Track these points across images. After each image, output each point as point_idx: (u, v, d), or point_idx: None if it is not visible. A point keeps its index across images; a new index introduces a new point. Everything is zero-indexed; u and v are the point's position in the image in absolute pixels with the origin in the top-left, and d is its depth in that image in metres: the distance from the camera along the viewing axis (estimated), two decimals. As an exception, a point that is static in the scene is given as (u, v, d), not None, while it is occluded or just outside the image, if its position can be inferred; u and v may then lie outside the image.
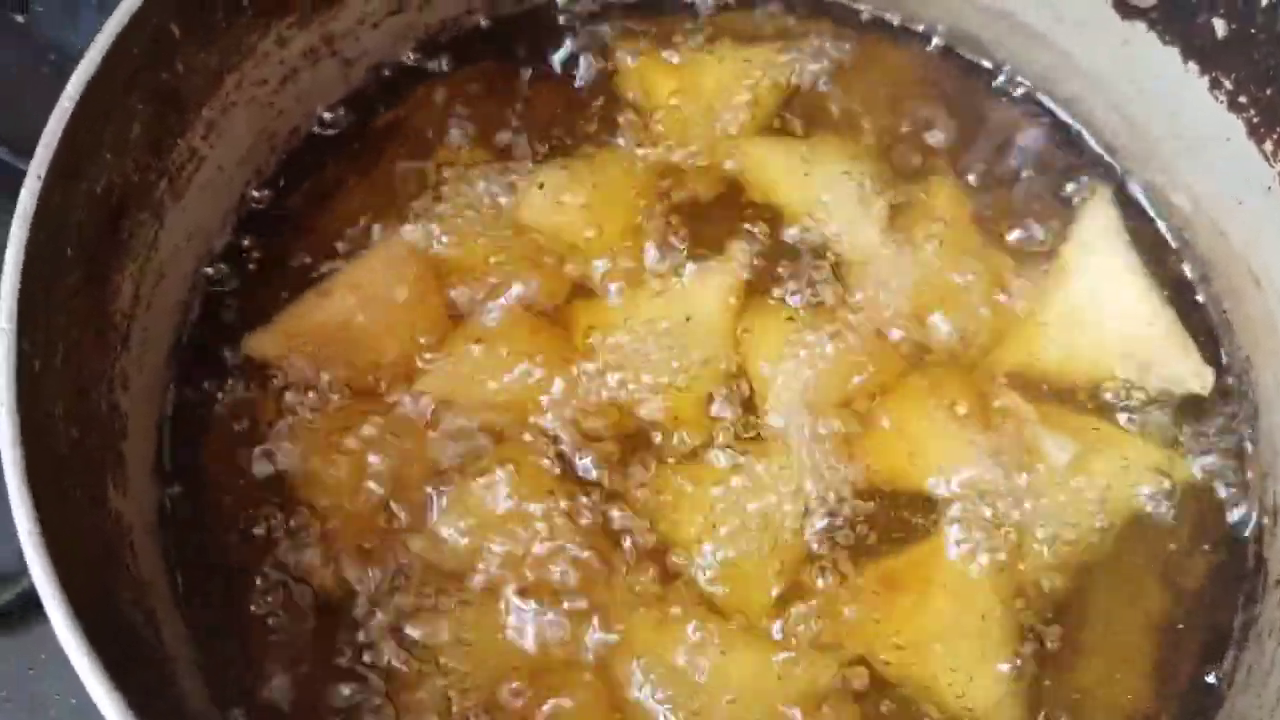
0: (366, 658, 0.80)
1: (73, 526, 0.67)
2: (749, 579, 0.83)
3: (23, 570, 0.92)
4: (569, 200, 0.94)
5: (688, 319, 0.90)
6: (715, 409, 0.88)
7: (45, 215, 0.68)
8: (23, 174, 1.01)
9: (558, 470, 0.85)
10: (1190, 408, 0.92)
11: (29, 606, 0.93)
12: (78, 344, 0.72)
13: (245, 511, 0.84)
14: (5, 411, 0.61)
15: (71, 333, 0.71)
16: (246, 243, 0.93)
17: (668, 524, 0.84)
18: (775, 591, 0.83)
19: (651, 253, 0.93)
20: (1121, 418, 0.90)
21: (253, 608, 0.81)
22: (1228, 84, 0.88)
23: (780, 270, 0.93)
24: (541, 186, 0.94)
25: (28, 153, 1.00)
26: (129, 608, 0.70)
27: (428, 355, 0.88)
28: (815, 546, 0.84)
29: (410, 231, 0.92)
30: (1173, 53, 0.90)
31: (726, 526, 0.84)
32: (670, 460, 0.87)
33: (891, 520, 0.86)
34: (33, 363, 0.66)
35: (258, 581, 0.82)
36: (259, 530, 0.84)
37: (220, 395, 0.88)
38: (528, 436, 0.86)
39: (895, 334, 0.91)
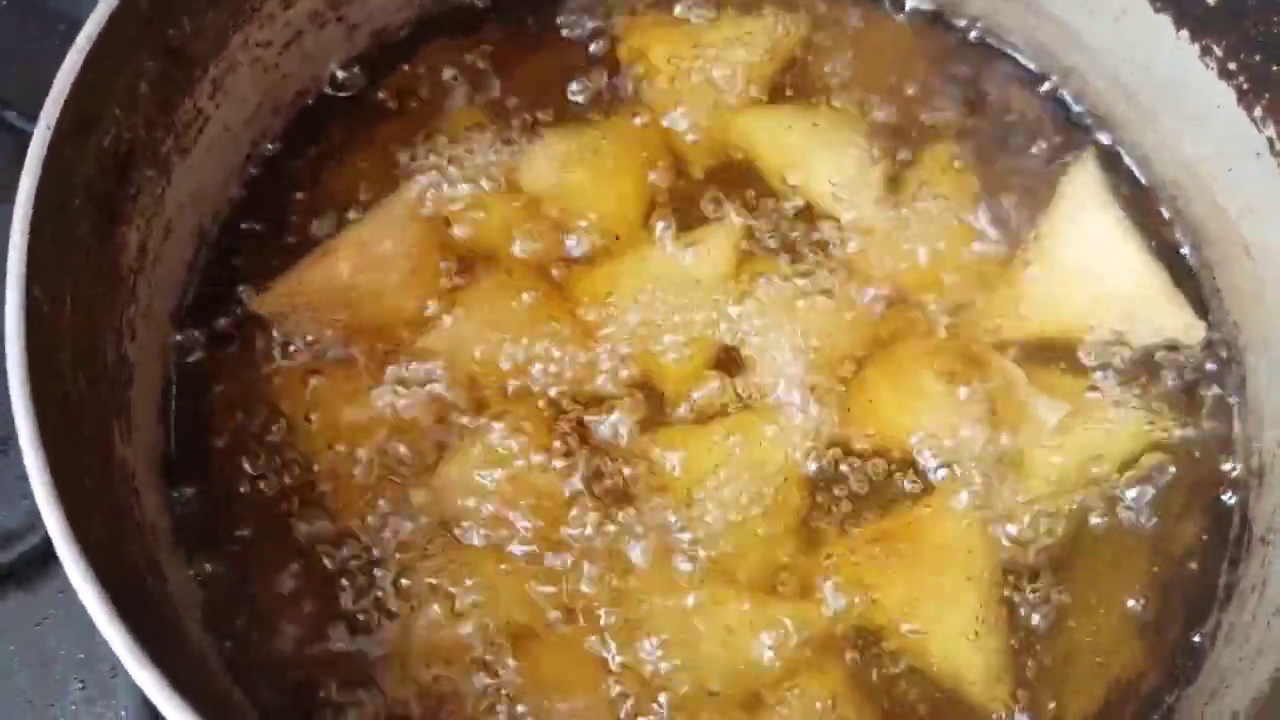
0: (369, 606, 0.81)
1: (81, 472, 0.68)
2: (741, 538, 0.85)
3: (29, 527, 0.95)
4: (569, 165, 0.95)
5: (683, 283, 0.91)
6: (710, 372, 0.89)
7: (55, 165, 0.70)
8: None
9: (555, 430, 0.86)
10: (1178, 371, 0.93)
11: (35, 563, 0.94)
12: (86, 294, 0.73)
13: (248, 463, 0.86)
14: (15, 353, 0.63)
15: (81, 282, 0.73)
16: (251, 203, 0.94)
17: (662, 484, 0.86)
18: (766, 551, 0.85)
19: (649, 218, 0.94)
20: (1110, 380, 0.91)
21: (254, 556, 0.83)
22: (1218, 51, 0.88)
23: (775, 236, 0.94)
24: (542, 151, 0.95)
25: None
26: (135, 554, 0.72)
27: (429, 314, 0.90)
28: (806, 508, 0.86)
29: (412, 193, 0.93)
30: (1165, 21, 0.91)
31: (719, 487, 0.85)
32: (664, 422, 0.88)
33: (882, 482, 0.87)
34: (42, 308, 0.67)
35: (259, 531, 0.84)
36: (262, 483, 0.85)
37: (225, 350, 0.89)
38: (525, 396, 0.88)
39: (887, 298, 0.93)
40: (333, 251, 0.91)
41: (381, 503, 0.84)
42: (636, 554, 0.83)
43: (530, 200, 0.94)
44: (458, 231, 0.93)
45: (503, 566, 0.83)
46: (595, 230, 0.94)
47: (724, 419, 0.88)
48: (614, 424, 0.87)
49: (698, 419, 0.88)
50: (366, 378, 0.88)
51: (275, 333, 0.89)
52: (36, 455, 0.61)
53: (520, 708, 0.79)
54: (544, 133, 0.97)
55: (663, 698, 0.80)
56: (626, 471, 0.86)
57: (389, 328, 0.89)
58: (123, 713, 0.91)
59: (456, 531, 0.84)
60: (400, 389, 0.87)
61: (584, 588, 0.82)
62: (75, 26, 1.13)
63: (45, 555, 0.94)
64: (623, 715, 0.80)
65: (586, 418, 0.87)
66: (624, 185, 0.96)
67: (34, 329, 0.65)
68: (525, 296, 0.91)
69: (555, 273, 0.92)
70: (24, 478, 0.96)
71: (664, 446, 0.87)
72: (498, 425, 0.86)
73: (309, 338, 0.89)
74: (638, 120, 0.98)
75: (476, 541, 0.83)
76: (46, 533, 0.90)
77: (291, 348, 0.89)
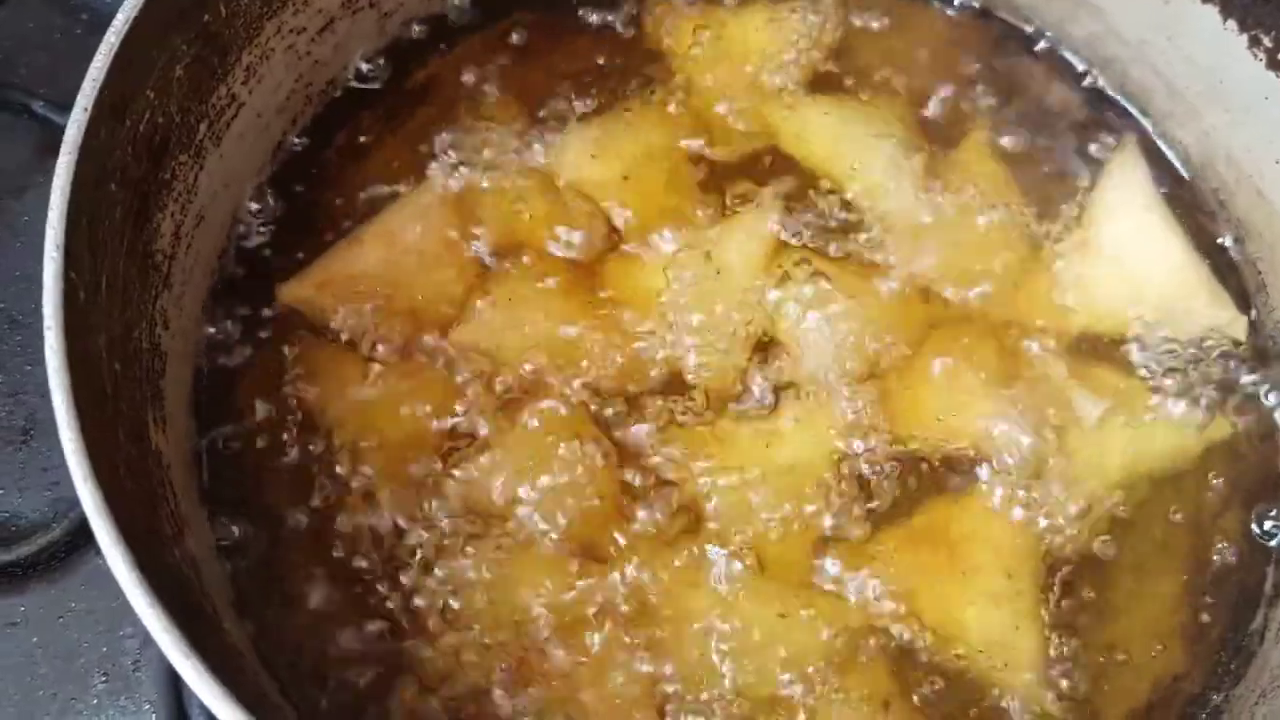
0: (399, 600, 0.81)
1: (117, 460, 0.67)
2: (780, 535, 0.84)
3: (52, 520, 0.94)
4: (603, 155, 0.94)
5: (719, 274, 0.90)
6: (746, 364, 0.88)
7: (91, 149, 0.69)
8: (63, 127, 1.03)
9: (588, 422, 0.85)
10: (1220, 366, 0.91)
11: (58, 556, 0.94)
12: (121, 279, 0.73)
13: (278, 453, 0.85)
14: (54, 338, 0.62)
15: (116, 267, 0.72)
16: (282, 191, 0.93)
17: (699, 478, 0.85)
18: (806, 548, 0.83)
19: (684, 209, 0.93)
20: (1152, 374, 0.90)
21: (285, 548, 0.82)
22: (1266, 41, 0.87)
23: (812, 226, 0.93)
24: (573, 140, 0.94)
25: (67, 107, 1.03)
26: (170, 544, 0.71)
27: (459, 304, 0.89)
28: (846, 503, 0.85)
29: (441, 182, 0.93)
30: (1211, 10, 0.90)
31: (755, 482, 0.84)
32: (701, 414, 0.87)
33: (922, 477, 0.86)
34: (78, 293, 0.66)
35: (290, 521, 0.83)
36: (291, 473, 0.84)
37: (255, 338, 0.88)
38: (558, 387, 0.87)
39: (926, 291, 0.92)
40: (361, 240, 0.90)
41: (411, 495, 0.83)
42: (670, 551, 0.82)
43: (560, 189, 0.94)
44: (487, 221, 0.92)
45: (533, 561, 0.82)
46: (626, 219, 0.93)
47: (760, 412, 0.87)
48: (647, 417, 0.86)
49: (733, 412, 0.87)
50: (396, 367, 0.87)
51: (305, 324, 0.88)
52: (76, 444, 0.60)
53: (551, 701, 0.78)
54: (574, 121, 0.96)
55: (696, 695, 0.79)
56: (659, 465, 0.85)
57: (418, 317, 0.88)
58: (146, 706, 0.90)
59: (487, 524, 0.82)
60: (429, 378, 0.87)
61: (615, 586, 0.81)
62: (98, 15, 1.15)
63: (69, 548, 0.94)
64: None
65: (619, 410, 0.86)
66: (656, 174, 0.95)
67: (71, 314, 0.64)
68: (555, 286, 0.90)
69: (586, 262, 0.91)
70: (47, 469, 0.98)
71: (698, 440, 0.86)
72: (528, 417, 0.85)
73: (338, 327, 0.88)
74: (670, 108, 0.97)
75: (507, 536, 0.82)
76: (69, 526, 0.92)
77: (320, 337, 0.88)
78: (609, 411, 0.86)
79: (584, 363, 0.87)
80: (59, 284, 0.63)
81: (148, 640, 0.89)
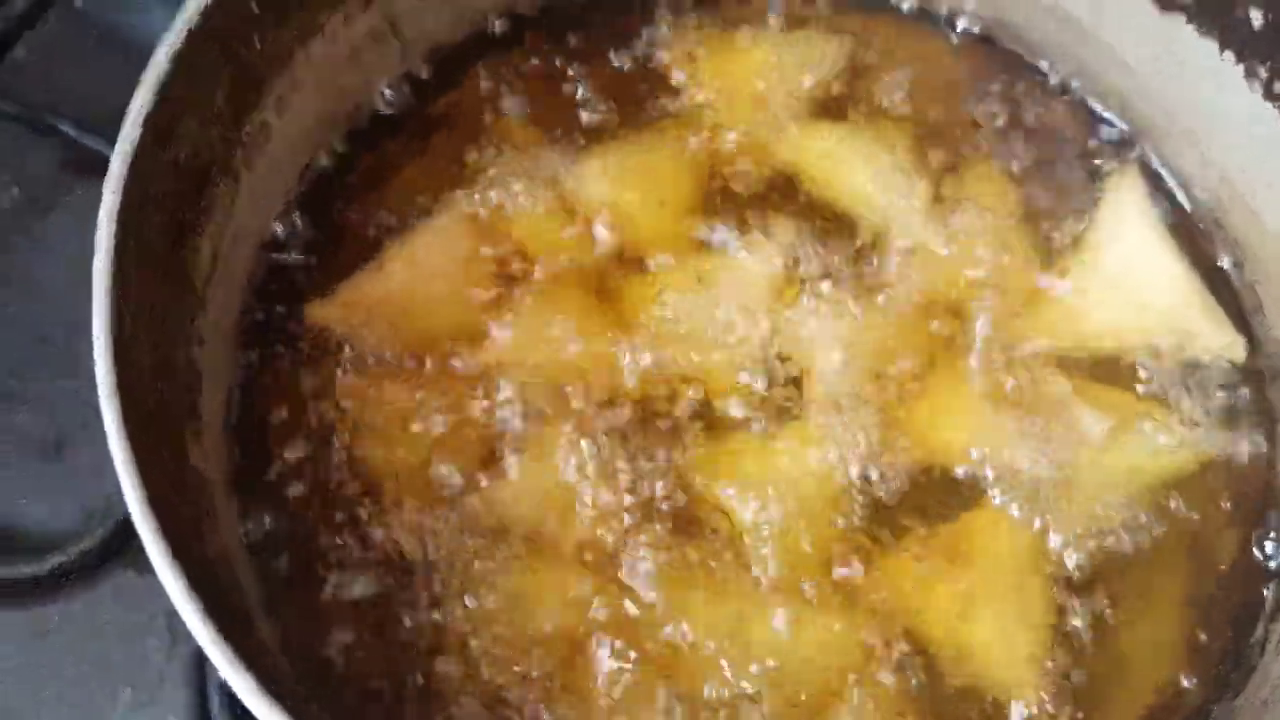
0: (425, 616, 0.82)
1: (162, 479, 0.69)
2: (791, 550, 0.85)
3: (81, 532, 0.95)
4: (617, 177, 0.97)
5: (731, 295, 0.93)
6: (757, 385, 0.90)
7: (136, 177, 0.71)
8: (92, 150, 1.06)
9: (606, 439, 0.88)
10: (1223, 385, 0.94)
11: (87, 568, 0.95)
12: (163, 302, 0.75)
13: (309, 473, 0.87)
14: (104, 363, 0.64)
15: (159, 290, 0.74)
16: (311, 215, 0.96)
17: (712, 494, 0.87)
18: (815, 563, 0.85)
19: (698, 231, 0.96)
20: (1154, 394, 0.92)
21: (319, 568, 0.84)
22: (1263, 72, 0.90)
23: (822, 249, 0.96)
24: (591, 164, 0.97)
25: (94, 127, 1.05)
26: (208, 551, 0.73)
27: (481, 325, 0.91)
28: (856, 519, 0.87)
29: (465, 204, 0.95)
30: (1210, 44, 0.92)
31: (769, 500, 0.86)
32: (714, 432, 0.89)
33: (930, 495, 0.88)
34: (124, 317, 0.68)
35: (322, 542, 0.85)
36: (319, 488, 0.86)
37: (285, 358, 0.90)
38: (578, 406, 0.89)
39: (932, 312, 0.94)
40: (386, 263, 0.93)
41: (437, 512, 0.85)
42: (687, 566, 0.84)
43: (579, 212, 0.96)
44: (509, 243, 0.94)
45: (554, 577, 0.84)
46: (643, 242, 0.95)
47: (773, 430, 0.89)
48: (664, 436, 0.88)
49: (742, 430, 0.89)
50: (422, 387, 0.89)
51: (333, 344, 0.91)
52: (128, 465, 0.62)
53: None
54: (592, 145, 0.99)
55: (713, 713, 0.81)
56: (676, 484, 0.87)
57: (442, 338, 0.91)
58: (170, 717, 0.91)
59: (510, 541, 0.85)
60: (454, 399, 0.89)
61: (629, 601, 0.83)
62: (125, 37, 1.17)
63: (99, 560, 0.95)
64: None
65: (635, 428, 0.88)
66: (672, 198, 0.97)
67: (119, 338, 0.66)
68: (576, 308, 0.92)
69: (604, 283, 0.94)
70: (76, 481, 1.00)
71: (713, 458, 0.88)
72: (550, 436, 0.87)
73: (365, 348, 0.90)
74: (686, 134, 1.00)
75: (530, 551, 0.84)
76: (99, 538, 0.94)
77: (348, 358, 0.90)
78: (626, 430, 0.88)
79: (600, 382, 0.90)
80: (108, 303, 0.65)
81: (173, 652, 0.92)
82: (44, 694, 0.92)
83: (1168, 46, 0.96)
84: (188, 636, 0.86)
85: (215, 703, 0.89)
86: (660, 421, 0.89)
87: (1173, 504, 0.89)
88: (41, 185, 1.09)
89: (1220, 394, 0.94)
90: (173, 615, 0.91)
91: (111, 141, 0.72)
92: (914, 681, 0.83)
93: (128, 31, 1.15)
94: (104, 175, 0.71)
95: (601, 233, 0.96)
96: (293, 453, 0.87)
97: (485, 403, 0.89)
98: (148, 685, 0.92)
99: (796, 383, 0.91)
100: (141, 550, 0.93)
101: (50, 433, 1.00)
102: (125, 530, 0.94)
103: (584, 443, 0.87)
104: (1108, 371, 0.93)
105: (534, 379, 0.90)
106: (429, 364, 0.90)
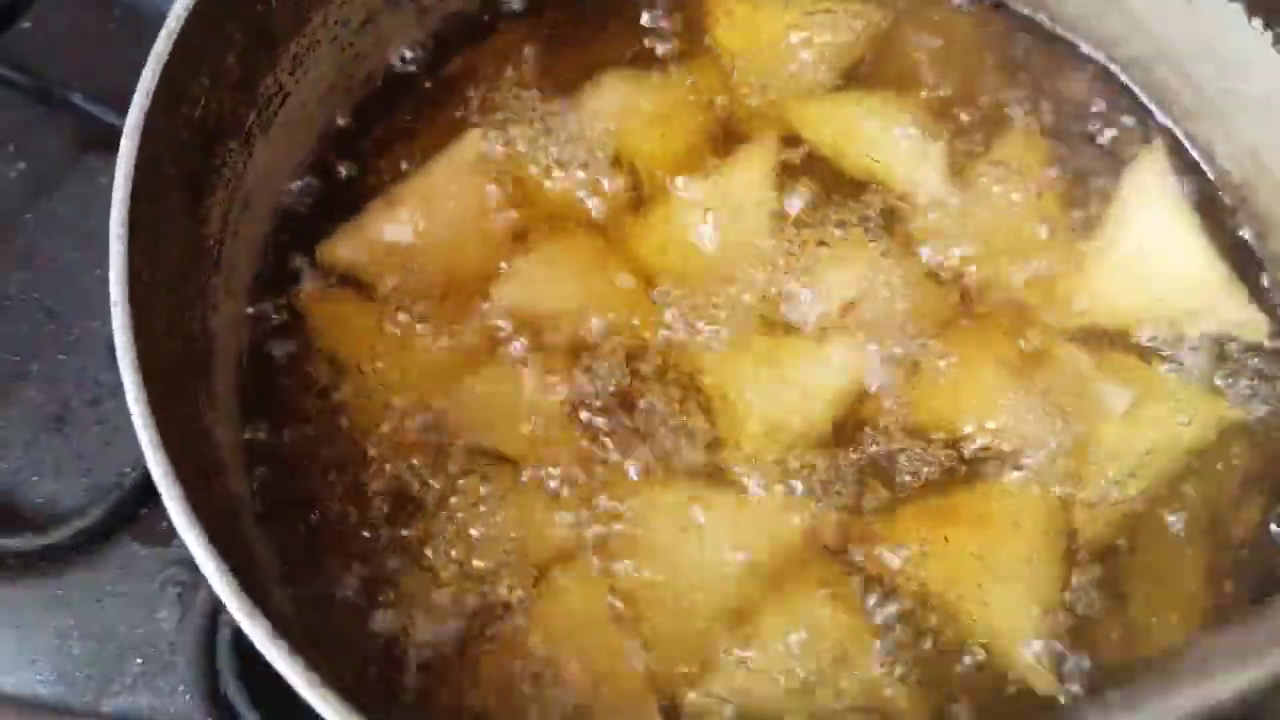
0: (448, 572, 0.82)
1: (178, 438, 0.68)
2: (795, 513, 0.85)
3: (89, 505, 0.95)
4: (636, 118, 0.96)
5: (746, 239, 0.93)
6: (770, 336, 0.90)
7: (149, 134, 0.71)
8: (101, 122, 1.05)
9: (615, 381, 0.88)
10: (1242, 360, 0.93)
11: (95, 540, 0.95)
12: (177, 262, 0.74)
13: (319, 424, 0.86)
14: (121, 316, 0.63)
15: (172, 250, 0.74)
16: (324, 176, 0.95)
17: (720, 453, 0.86)
18: (819, 527, 0.85)
19: (710, 185, 0.95)
20: (1175, 365, 0.91)
21: (322, 514, 0.83)
22: (1292, 41, 0.89)
23: (838, 214, 0.95)
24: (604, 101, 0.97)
25: (105, 100, 1.04)
26: (225, 520, 0.72)
27: (496, 263, 0.91)
28: (865, 485, 0.86)
29: (477, 143, 0.95)
30: (1237, 9, 0.91)
31: (775, 461, 0.86)
32: (719, 375, 0.88)
33: (945, 465, 0.87)
34: (140, 273, 0.68)
35: (335, 490, 0.84)
36: (334, 445, 0.86)
37: (298, 320, 0.90)
38: (597, 342, 0.89)
39: (951, 283, 0.93)
40: (396, 202, 0.92)
41: (452, 458, 0.85)
42: (694, 519, 0.84)
43: (594, 152, 0.96)
44: (522, 180, 0.94)
45: (542, 502, 0.84)
46: (656, 184, 0.95)
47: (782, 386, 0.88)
48: (669, 373, 0.88)
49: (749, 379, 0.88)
50: (433, 330, 0.88)
51: (345, 295, 0.90)
52: (147, 423, 0.61)
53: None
54: (605, 88, 0.98)
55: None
56: (683, 429, 0.87)
57: (453, 279, 0.90)
58: (180, 687, 0.91)
59: (522, 483, 0.84)
60: (469, 337, 0.88)
61: (631, 556, 0.83)
62: (135, 9, 1.16)
63: (105, 533, 0.95)
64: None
65: (643, 368, 0.88)
66: (686, 143, 0.97)
67: (135, 290, 0.65)
68: (587, 251, 0.92)
69: (616, 226, 0.93)
70: (82, 456, 0.99)
71: (719, 399, 0.88)
72: (562, 381, 0.87)
73: (376, 288, 0.90)
74: (708, 99, 0.99)
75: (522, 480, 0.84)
76: (105, 510, 0.93)
77: (361, 302, 0.89)
78: (633, 369, 0.88)
79: (610, 324, 0.89)
80: (124, 262, 0.64)
81: (183, 624, 0.91)
82: (52, 666, 0.91)
83: (1194, 13, 0.95)
84: (198, 607, 0.87)
85: (226, 672, 0.89)
86: (670, 366, 0.89)
87: (1191, 477, 0.89)
88: (49, 159, 1.08)
89: (1241, 369, 0.93)
90: (183, 586, 0.93)
91: (122, 112, 0.71)
92: (924, 649, 0.83)
93: (136, 1, 1.14)
94: (113, 148, 0.70)
95: (613, 174, 0.95)
96: (304, 404, 0.87)
97: (504, 340, 0.88)
98: (157, 656, 0.92)
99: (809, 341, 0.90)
100: (149, 522, 0.95)
101: (54, 407, 1.00)
102: (134, 502, 0.95)
103: (593, 387, 0.87)
104: (1129, 345, 0.92)
105: (551, 316, 0.89)
106: (443, 303, 0.89)
